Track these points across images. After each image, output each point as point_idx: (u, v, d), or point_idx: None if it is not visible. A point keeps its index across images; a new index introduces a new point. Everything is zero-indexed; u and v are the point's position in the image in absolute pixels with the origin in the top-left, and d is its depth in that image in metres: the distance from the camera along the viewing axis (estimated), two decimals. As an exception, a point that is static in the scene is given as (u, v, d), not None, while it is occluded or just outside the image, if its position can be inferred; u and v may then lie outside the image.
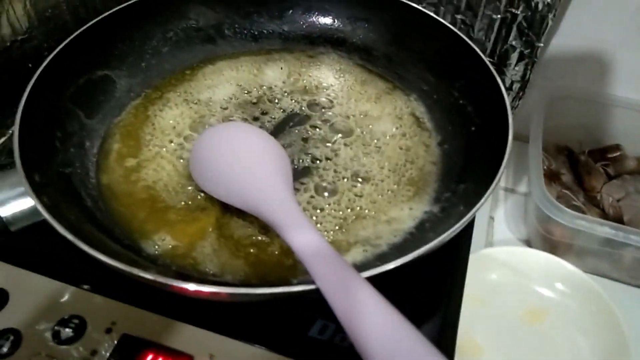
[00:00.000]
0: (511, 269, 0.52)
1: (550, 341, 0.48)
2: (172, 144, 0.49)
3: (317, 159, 0.48)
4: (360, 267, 0.39)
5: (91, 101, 0.50)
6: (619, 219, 0.54)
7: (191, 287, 0.31)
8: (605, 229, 0.48)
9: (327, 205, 0.44)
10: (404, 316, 0.28)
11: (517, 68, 0.57)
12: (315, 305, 0.40)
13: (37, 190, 0.36)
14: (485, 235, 0.58)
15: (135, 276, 0.31)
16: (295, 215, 0.35)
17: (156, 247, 0.41)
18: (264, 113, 0.53)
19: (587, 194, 0.58)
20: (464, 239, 0.48)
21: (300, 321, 0.40)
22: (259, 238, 0.42)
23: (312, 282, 0.31)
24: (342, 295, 0.29)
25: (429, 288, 0.44)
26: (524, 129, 0.58)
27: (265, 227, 0.42)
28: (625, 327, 0.47)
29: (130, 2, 0.54)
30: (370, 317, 0.28)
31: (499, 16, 0.55)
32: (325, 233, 0.43)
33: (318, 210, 0.44)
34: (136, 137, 0.50)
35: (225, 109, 0.53)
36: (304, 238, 0.33)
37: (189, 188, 0.45)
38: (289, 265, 0.40)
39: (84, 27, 0.50)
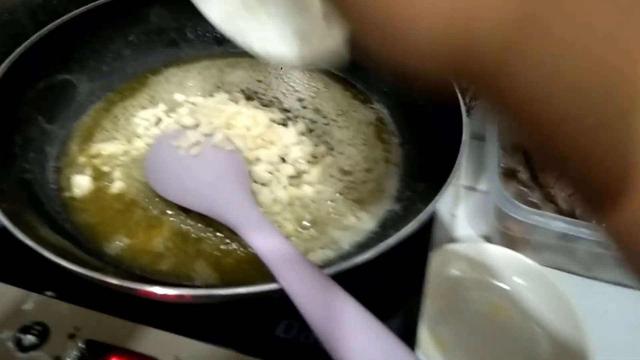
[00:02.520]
0: (472, 265, 0.53)
1: (510, 333, 0.50)
2: (133, 147, 0.49)
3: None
4: (323, 266, 0.40)
5: (51, 106, 0.50)
6: (572, 213, 0.57)
7: (157, 290, 0.31)
8: (558, 224, 0.50)
9: (285, 210, 0.45)
10: (371, 313, 0.29)
11: (474, 70, 0.59)
12: (280, 304, 0.41)
13: (-4, 197, 0.36)
14: (448, 232, 0.59)
15: (99, 281, 0.31)
16: (257, 219, 0.36)
17: (117, 250, 0.41)
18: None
19: (543, 190, 0.60)
20: (424, 235, 0.49)
21: (265, 321, 0.41)
22: (221, 241, 0.42)
23: (275, 281, 0.32)
24: (307, 295, 0.30)
25: (391, 284, 0.46)
26: (482, 129, 0.60)
27: (227, 230, 0.42)
28: (580, 317, 0.49)
29: (90, 5, 0.54)
30: (339, 316, 0.28)
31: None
32: (288, 237, 0.43)
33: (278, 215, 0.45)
34: (96, 141, 0.49)
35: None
36: (267, 240, 0.34)
37: (149, 193, 0.45)
38: (252, 267, 0.40)
39: (43, 31, 0.49)
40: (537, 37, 0.17)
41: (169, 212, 0.44)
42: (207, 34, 0.62)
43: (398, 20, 0.19)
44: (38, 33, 0.49)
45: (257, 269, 0.40)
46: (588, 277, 0.55)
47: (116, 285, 0.31)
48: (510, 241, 0.55)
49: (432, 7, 0.18)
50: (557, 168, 0.21)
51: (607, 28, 0.16)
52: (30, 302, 0.39)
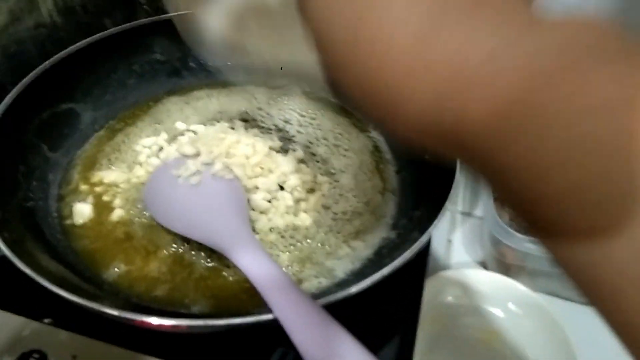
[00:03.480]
0: (466, 291, 0.54)
1: (504, 360, 0.50)
2: (134, 175, 0.50)
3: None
4: (318, 294, 0.41)
5: (55, 134, 0.51)
6: (568, 241, 0.57)
7: (153, 320, 0.32)
8: (553, 251, 0.51)
9: (281, 239, 0.46)
10: (364, 346, 0.29)
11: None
12: (276, 333, 0.41)
13: (-1, 226, 0.37)
14: (444, 258, 0.60)
15: (97, 311, 0.32)
16: (252, 246, 0.37)
17: (115, 277, 0.42)
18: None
19: (538, 217, 0.61)
20: (419, 263, 0.50)
21: (260, 349, 0.41)
22: (218, 269, 0.43)
23: (270, 312, 0.32)
24: (300, 325, 0.31)
25: (386, 311, 0.46)
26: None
27: (224, 259, 0.43)
28: (573, 343, 0.49)
29: (96, 37, 0.55)
30: (332, 348, 0.29)
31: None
32: (283, 265, 0.44)
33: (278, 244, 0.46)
34: (98, 168, 0.51)
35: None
36: (261, 268, 0.35)
37: (149, 221, 0.46)
38: (247, 296, 0.41)
39: (49, 62, 0.51)
40: (527, 132, 0.17)
41: (167, 240, 0.45)
42: (209, 63, 0.63)
43: (387, 96, 0.19)
44: (44, 64, 0.50)
45: (253, 298, 0.41)
46: (582, 304, 0.56)
47: (113, 316, 0.32)
48: (505, 267, 0.56)
49: (420, 92, 0.18)
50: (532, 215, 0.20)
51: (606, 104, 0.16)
52: (29, 330, 0.40)
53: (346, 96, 0.21)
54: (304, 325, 0.30)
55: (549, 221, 0.19)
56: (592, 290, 0.19)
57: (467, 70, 0.17)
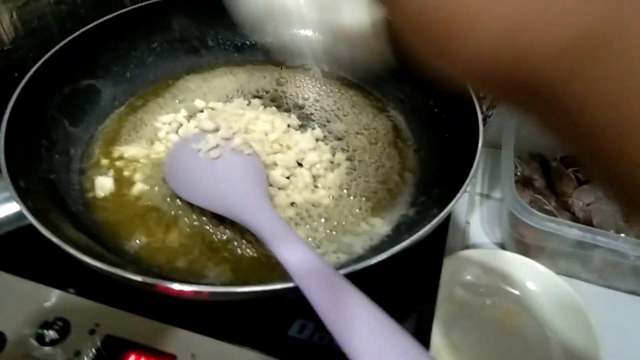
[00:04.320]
0: (485, 271, 0.54)
1: (522, 340, 0.50)
2: (154, 151, 0.50)
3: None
4: (337, 268, 0.41)
5: (76, 110, 0.51)
6: (588, 223, 0.56)
7: (175, 286, 0.32)
8: (574, 231, 0.50)
9: (300, 214, 0.46)
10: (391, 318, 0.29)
11: (490, 78, 0.59)
12: (294, 304, 0.42)
13: (23, 195, 0.37)
14: (462, 239, 0.60)
15: (120, 277, 0.32)
16: (272, 219, 0.37)
17: (136, 248, 0.42)
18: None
19: (558, 199, 0.60)
20: (438, 241, 0.49)
21: (279, 320, 0.42)
22: (236, 241, 0.43)
23: (291, 281, 0.32)
24: (321, 294, 0.30)
25: (405, 289, 0.46)
26: (499, 137, 0.61)
27: (243, 231, 0.43)
28: (594, 325, 0.49)
29: (115, 14, 0.56)
30: (353, 315, 0.29)
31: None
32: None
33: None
34: (119, 144, 0.51)
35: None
36: (281, 240, 0.34)
37: (168, 194, 0.46)
38: (267, 269, 0.41)
39: (70, 38, 0.51)
40: (601, 63, 0.16)
41: (187, 213, 0.45)
42: (228, 42, 0.64)
43: (458, 20, 0.18)
44: (65, 40, 0.51)
45: (272, 270, 0.41)
46: (603, 286, 0.55)
47: (136, 282, 0.32)
48: (524, 248, 0.55)
49: (496, 12, 0.17)
50: (605, 174, 0.20)
51: None
52: (52, 299, 0.41)
53: (409, 48, 0.21)
54: (324, 291, 0.30)
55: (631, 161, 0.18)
56: None
57: None
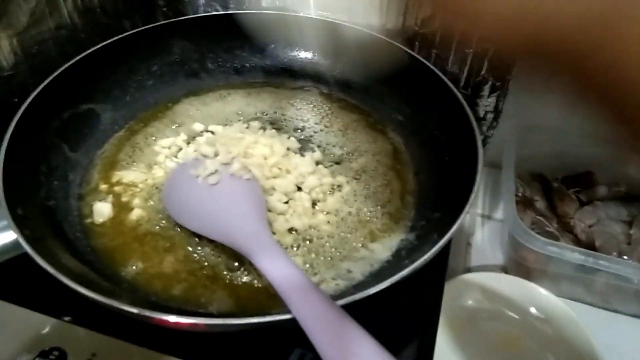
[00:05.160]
0: (487, 295, 0.53)
1: (526, 366, 0.49)
2: (152, 175, 0.50)
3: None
4: (336, 296, 0.40)
5: (75, 134, 0.52)
6: (591, 245, 0.56)
7: (172, 318, 0.32)
8: (575, 255, 0.50)
9: (298, 240, 0.46)
10: (383, 347, 0.29)
11: (489, 99, 0.59)
12: (293, 333, 0.41)
13: (20, 224, 0.37)
14: (463, 261, 0.59)
15: (116, 309, 0.32)
16: (270, 246, 0.37)
17: (133, 274, 0.42)
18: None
19: (560, 220, 0.60)
20: (439, 265, 0.49)
21: (278, 349, 0.41)
22: (235, 268, 0.43)
23: (288, 312, 0.32)
24: (318, 325, 0.30)
25: (406, 314, 0.45)
26: (500, 158, 0.60)
27: (241, 259, 0.43)
28: (598, 349, 0.48)
29: (115, 38, 0.56)
30: (351, 349, 0.28)
31: (471, 50, 0.57)
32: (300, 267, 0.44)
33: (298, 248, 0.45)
34: (118, 169, 0.51)
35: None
36: (279, 268, 0.34)
37: (166, 220, 0.46)
38: (265, 297, 0.41)
39: (69, 63, 0.51)
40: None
41: (185, 239, 0.45)
42: (227, 64, 0.64)
43: None
44: (64, 65, 0.51)
45: (271, 299, 0.40)
46: (606, 309, 0.54)
47: (132, 313, 0.32)
48: (526, 271, 0.55)
49: None
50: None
51: None
52: (49, 327, 0.40)
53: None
54: (323, 325, 0.30)
55: None
56: None
57: None
